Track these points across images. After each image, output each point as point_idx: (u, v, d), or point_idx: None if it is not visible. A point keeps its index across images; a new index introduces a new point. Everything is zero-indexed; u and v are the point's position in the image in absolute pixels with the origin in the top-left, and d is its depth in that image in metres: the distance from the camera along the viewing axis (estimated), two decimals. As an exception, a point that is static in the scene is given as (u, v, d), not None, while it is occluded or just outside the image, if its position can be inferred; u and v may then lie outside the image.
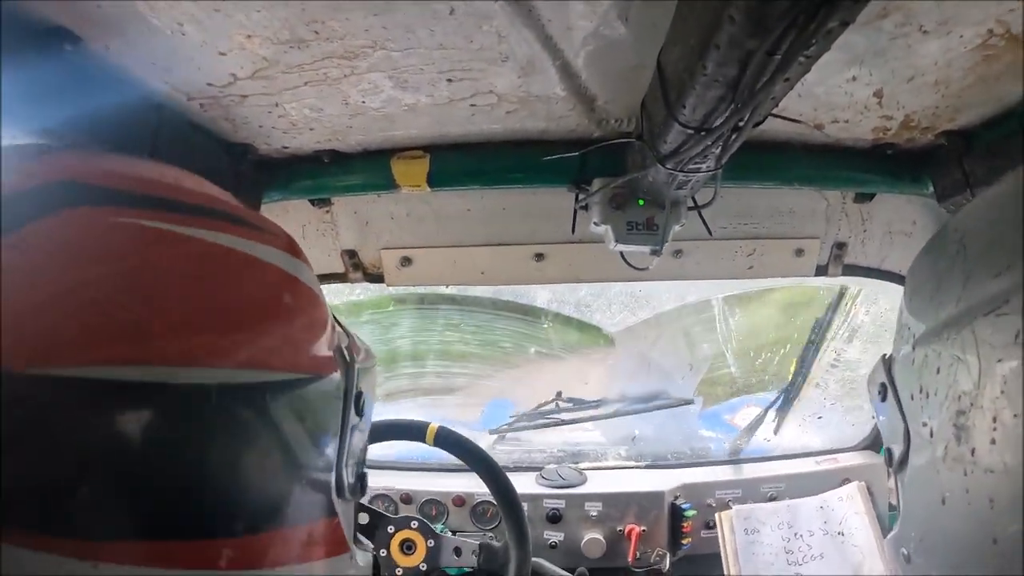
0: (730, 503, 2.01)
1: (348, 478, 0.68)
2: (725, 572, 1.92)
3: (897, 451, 0.70)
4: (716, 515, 1.99)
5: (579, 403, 2.35)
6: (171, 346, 0.48)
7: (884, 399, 0.74)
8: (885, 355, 0.76)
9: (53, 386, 0.43)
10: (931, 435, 0.61)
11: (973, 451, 0.52)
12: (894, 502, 0.74)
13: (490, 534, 1.95)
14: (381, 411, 2.01)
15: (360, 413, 0.72)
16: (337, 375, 0.66)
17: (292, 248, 0.62)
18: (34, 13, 0.82)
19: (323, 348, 0.64)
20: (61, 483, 0.43)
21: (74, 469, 0.43)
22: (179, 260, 0.52)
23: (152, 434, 0.47)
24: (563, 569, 1.68)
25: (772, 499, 2.02)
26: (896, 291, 1.77)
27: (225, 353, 0.52)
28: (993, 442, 0.51)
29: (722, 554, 1.94)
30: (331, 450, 0.65)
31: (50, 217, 0.47)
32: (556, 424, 2.30)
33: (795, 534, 1.92)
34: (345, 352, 0.69)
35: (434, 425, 1.47)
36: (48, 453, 0.42)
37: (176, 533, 0.48)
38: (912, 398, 0.66)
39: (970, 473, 0.53)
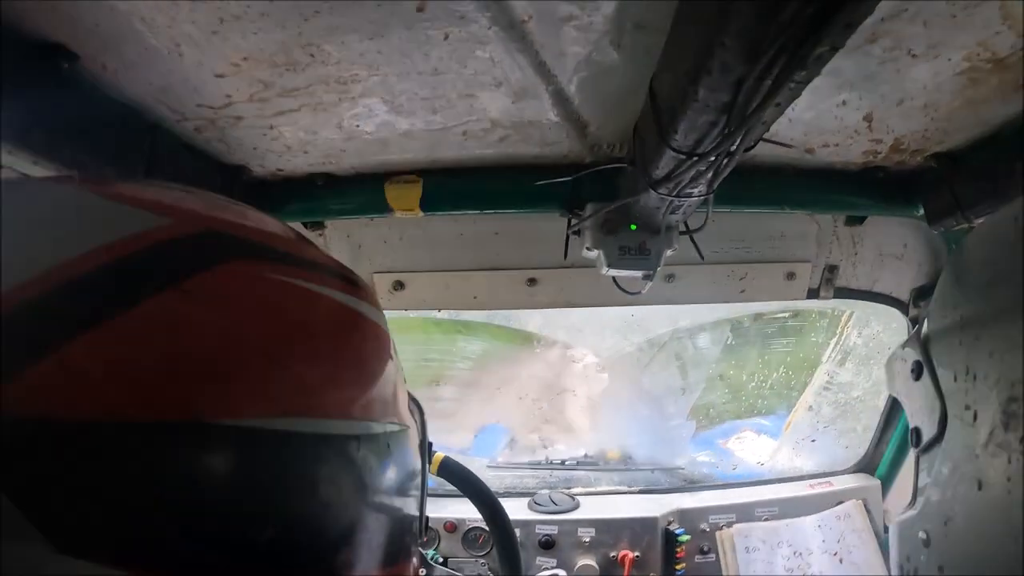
0: (724, 528, 1.99)
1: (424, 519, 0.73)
2: None
3: (927, 432, 0.68)
4: (716, 534, 1.97)
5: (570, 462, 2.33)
6: (329, 400, 0.51)
7: (918, 378, 0.72)
8: (920, 332, 0.74)
9: (239, 436, 0.44)
10: (974, 419, 0.59)
11: (1022, 439, 0.51)
12: (889, 522, 0.72)
13: (482, 561, 1.92)
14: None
15: (430, 460, 0.76)
16: (415, 424, 0.70)
17: (377, 302, 0.64)
18: (32, 29, 0.82)
19: (404, 397, 0.68)
20: (252, 529, 0.45)
21: (261, 514, 0.45)
22: (320, 319, 0.55)
23: (319, 481, 0.49)
24: None
25: (767, 523, 2.00)
26: (888, 313, 1.79)
27: (367, 407, 0.56)
28: None
29: (723, 574, 1.93)
30: (419, 493, 0.69)
31: (212, 269, 0.48)
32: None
33: (794, 552, 1.92)
34: (413, 403, 0.74)
35: (440, 454, 1.46)
36: (230, 497, 0.44)
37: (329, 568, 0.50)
38: (955, 379, 0.64)
39: (1015, 461, 0.52)
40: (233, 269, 0.49)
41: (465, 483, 1.45)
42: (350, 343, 0.57)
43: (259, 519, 0.45)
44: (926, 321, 0.73)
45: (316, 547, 0.49)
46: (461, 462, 1.43)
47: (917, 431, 0.71)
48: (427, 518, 0.78)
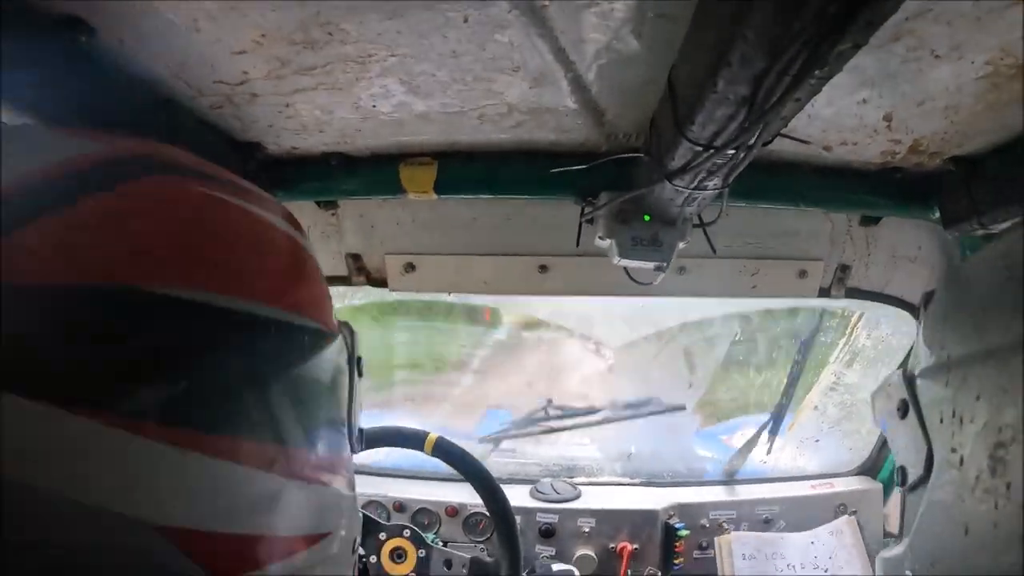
0: (724, 524, 2.00)
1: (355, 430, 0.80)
2: None
3: (913, 473, 0.67)
4: (715, 540, 1.98)
5: (569, 411, 2.34)
6: (244, 284, 0.60)
7: (903, 416, 0.71)
8: (904, 370, 0.72)
9: (173, 303, 0.53)
10: (961, 463, 0.58)
11: (1008, 486, 0.50)
12: (890, 527, 0.72)
13: (481, 547, 1.93)
14: (376, 419, 2.01)
15: (360, 374, 0.82)
16: (341, 337, 0.78)
17: (299, 225, 0.73)
18: (50, 1, 0.81)
19: (331, 313, 0.75)
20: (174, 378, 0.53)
21: (178, 363, 0.53)
22: (240, 222, 0.64)
23: (244, 351, 0.58)
24: None
25: (767, 521, 2.01)
26: (898, 315, 1.77)
27: (279, 297, 0.64)
28: None
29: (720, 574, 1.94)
30: (346, 400, 0.77)
31: (139, 179, 0.57)
32: (547, 432, 2.30)
33: (787, 565, 1.93)
34: (346, 327, 0.80)
35: (433, 435, 1.47)
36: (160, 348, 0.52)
37: (248, 431, 0.57)
38: (941, 421, 0.63)
39: (1002, 507, 0.51)
40: (163, 181, 0.59)
41: (462, 463, 1.47)
42: (284, 249, 0.67)
43: (192, 378, 0.53)
44: (912, 357, 0.72)
45: (243, 406, 0.57)
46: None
47: (903, 470, 0.70)
48: (362, 430, 0.84)
